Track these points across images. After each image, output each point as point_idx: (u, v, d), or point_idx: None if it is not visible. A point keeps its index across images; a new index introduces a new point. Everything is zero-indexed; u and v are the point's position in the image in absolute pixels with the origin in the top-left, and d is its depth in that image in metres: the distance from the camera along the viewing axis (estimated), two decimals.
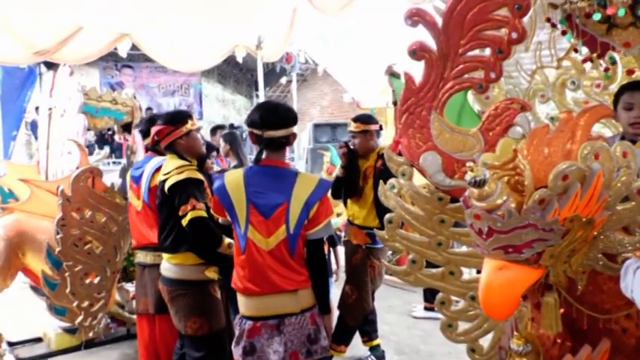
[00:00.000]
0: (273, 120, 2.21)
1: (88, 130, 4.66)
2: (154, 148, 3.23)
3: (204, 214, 2.54)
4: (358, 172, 3.66)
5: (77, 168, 3.68)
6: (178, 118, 2.79)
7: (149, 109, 12.88)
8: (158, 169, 3.02)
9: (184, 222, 2.55)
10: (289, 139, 2.26)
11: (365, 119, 3.74)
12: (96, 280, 3.67)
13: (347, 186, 3.69)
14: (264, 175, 2.22)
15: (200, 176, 2.68)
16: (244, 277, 2.17)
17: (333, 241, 4.15)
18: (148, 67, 14.15)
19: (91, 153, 6.84)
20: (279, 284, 2.14)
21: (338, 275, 4.15)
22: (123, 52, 6.76)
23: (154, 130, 2.81)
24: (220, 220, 2.33)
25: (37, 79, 9.30)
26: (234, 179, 2.23)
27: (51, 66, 8.23)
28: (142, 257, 3.17)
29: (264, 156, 2.27)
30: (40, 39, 5.96)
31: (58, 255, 3.51)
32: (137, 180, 3.12)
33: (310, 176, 2.31)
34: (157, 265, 2.96)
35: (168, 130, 2.75)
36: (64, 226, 3.49)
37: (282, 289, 2.14)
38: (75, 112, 4.06)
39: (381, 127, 3.80)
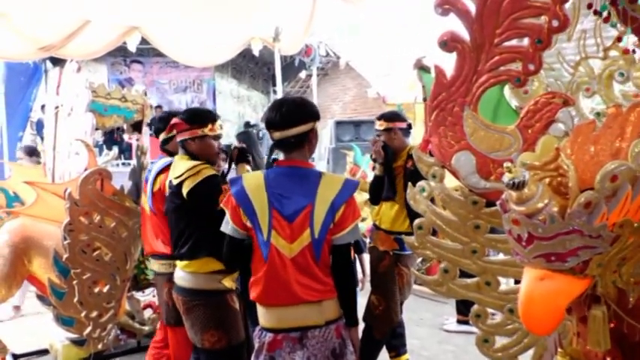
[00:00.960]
0: (279, 120, 2.20)
1: (97, 129, 4.73)
2: (165, 149, 3.26)
3: None
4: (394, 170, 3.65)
5: (85, 170, 3.73)
6: (198, 118, 2.79)
7: (159, 106, 13.04)
8: (161, 172, 3.06)
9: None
10: (306, 137, 2.23)
11: (389, 116, 3.74)
12: (105, 289, 3.72)
13: (388, 185, 3.65)
14: (285, 176, 2.21)
15: (216, 172, 2.70)
16: (265, 287, 2.17)
17: (359, 248, 4.14)
18: (159, 63, 14.32)
19: (99, 153, 6.94)
20: (301, 295, 2.13)
21: (364, 284, 4.15)
22: (132, 47, 6.87)
23: (173, 121, 2.84)
24: (229, 229, 2.24)
25: (43, 76, 9.49)
26: (254, 182, 2.22)
27: (57, 62, 8.39)
28: (152, 265, 3.22)
29: (281, 157, 2.28)
30: (46, 34, 6.08)
31: (65, 262, 3.56)
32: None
33: (335, 176, 2.30)
34: (164, 274, 3.00)
35: (183, 127, 2.77)
36: (72, 231, 3.54)
37: (305, 299, 2.13)
38: (83, 111, 4.12)
39: (409, 126, 3.78)
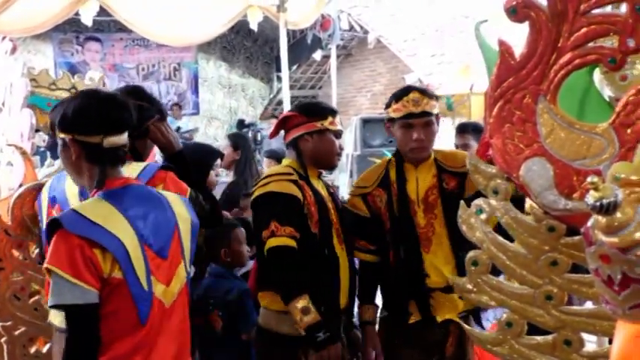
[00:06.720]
0: (127, 116, 2.05)
1: (37, 131, 4.79)
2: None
3: (289, 242, 2.68)
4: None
5: (20, 185, 3.78)
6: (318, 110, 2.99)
7: None
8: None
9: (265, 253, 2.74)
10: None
11: None
12: (45, 349, 3.74)
13: None
14: (130, 195, 2.05)
15: (294, 191, 2.79)
16: None
17: None
18: (123, 40, 14.55)
19: (40, 163, 7.02)
20: None
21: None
22: (87, 20, 6.96)
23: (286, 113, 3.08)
24: (80, 297, 1.84)
25: None
26: (100, 210, 1.95)
27: None
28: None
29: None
30: None
31: None
32: None
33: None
34: None
35: (301, 120, 2.91)
36: (2, 269, 3.57)
37: None
38: (18, 106, 4.18)
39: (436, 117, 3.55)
